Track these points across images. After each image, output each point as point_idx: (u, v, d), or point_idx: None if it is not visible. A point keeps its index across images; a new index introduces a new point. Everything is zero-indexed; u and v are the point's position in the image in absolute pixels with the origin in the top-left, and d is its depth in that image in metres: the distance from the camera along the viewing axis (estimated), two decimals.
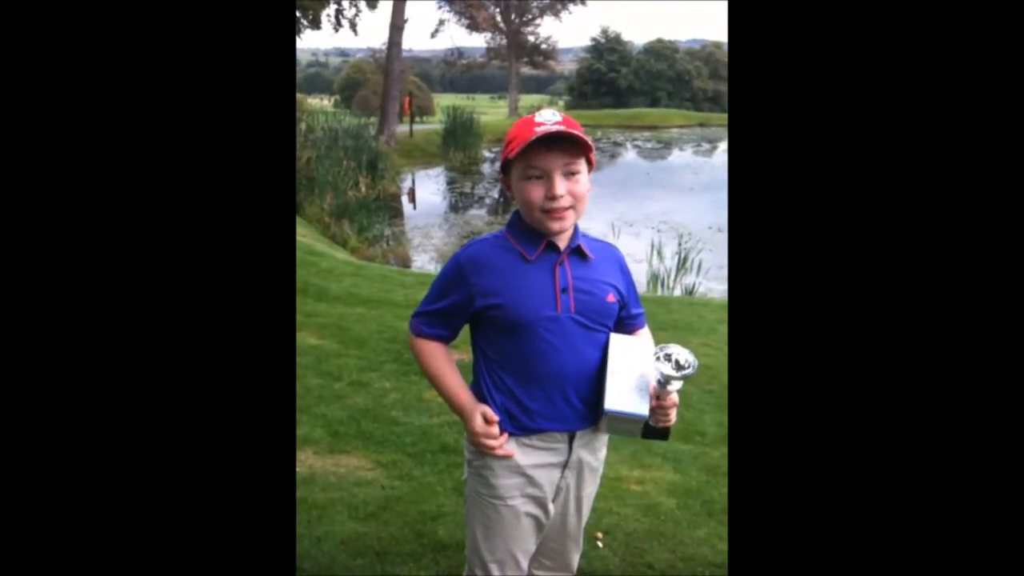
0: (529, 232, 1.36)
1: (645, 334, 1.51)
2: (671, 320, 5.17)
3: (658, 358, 1.29)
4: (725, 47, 43.11)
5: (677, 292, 7.52)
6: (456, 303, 1.37)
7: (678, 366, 1.28)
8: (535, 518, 1.42)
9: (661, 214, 12.53)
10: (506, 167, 1.35)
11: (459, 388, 1.41)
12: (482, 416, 1.35)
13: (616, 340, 1.37)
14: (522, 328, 1.32)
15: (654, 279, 7.73)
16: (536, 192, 1.29)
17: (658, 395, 1.32)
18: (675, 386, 1.31)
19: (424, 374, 1.46)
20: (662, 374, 1.29)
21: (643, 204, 13.53)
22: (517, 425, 1.36)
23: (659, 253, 8.10)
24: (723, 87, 39.87)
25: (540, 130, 1.26)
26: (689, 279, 7.76)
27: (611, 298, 1.39)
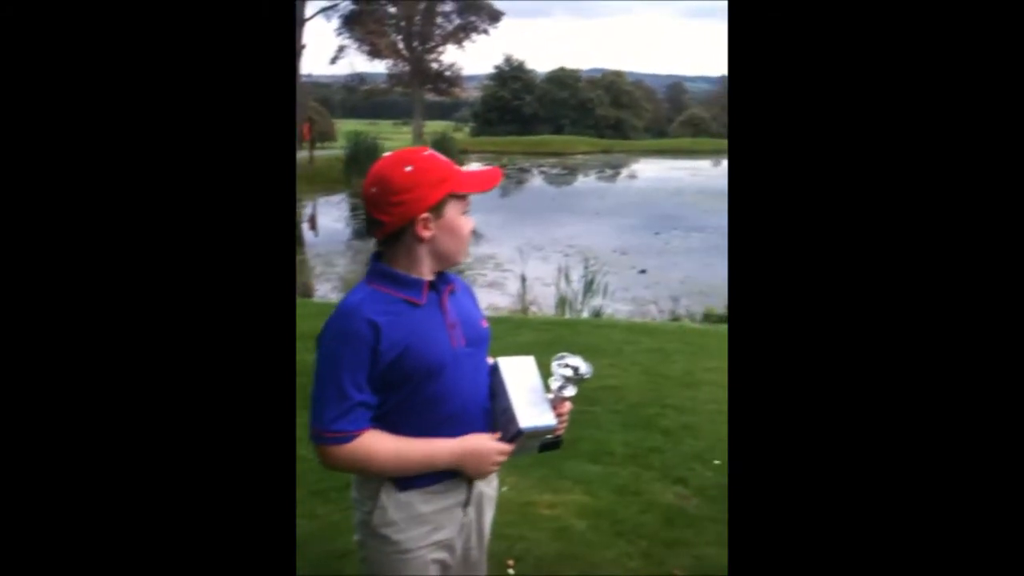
0: (407, 278, 1.33)
1: None
2: (579, 343, 5.26)
3: (559, 365, 1.42)
4: (626, 75, 44.76)
5: (585, 314, 7.67)
6: (365, 377, 1.26)
7: (576, 372, 1.42)
8: (441, 562, 1.39)
9: (568, 238, 12.79)
10: (440, 204, 1.31)
11: (430, 442, 1.31)
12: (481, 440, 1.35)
13: (504, 362, 1.40)
14: (427, 373, 1.29)
15: (562, 302, 7.85)
16: (470, 224, 1.38)
17: (555, 404, 1.41)
18: (571, 392, 1.43)
19: (376, 473, 1.31)
20: (564, 379, 1.41)
21: (550, 229, 13.78)
22: (425, 476, 1.32)
23: (566, 277, 8.25)
24: (625, 115, 41.34)
25: (479, 169, 1.41)
26: (596, 301, 7.93)
27: (484, 323, 1.43)
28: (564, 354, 1.43)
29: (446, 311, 1.35)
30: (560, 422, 1.41)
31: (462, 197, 1.33)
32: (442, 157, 1.35)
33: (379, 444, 1.28)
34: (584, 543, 2.46)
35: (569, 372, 1.41)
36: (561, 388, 1.42)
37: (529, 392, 1.38)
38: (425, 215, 1.30)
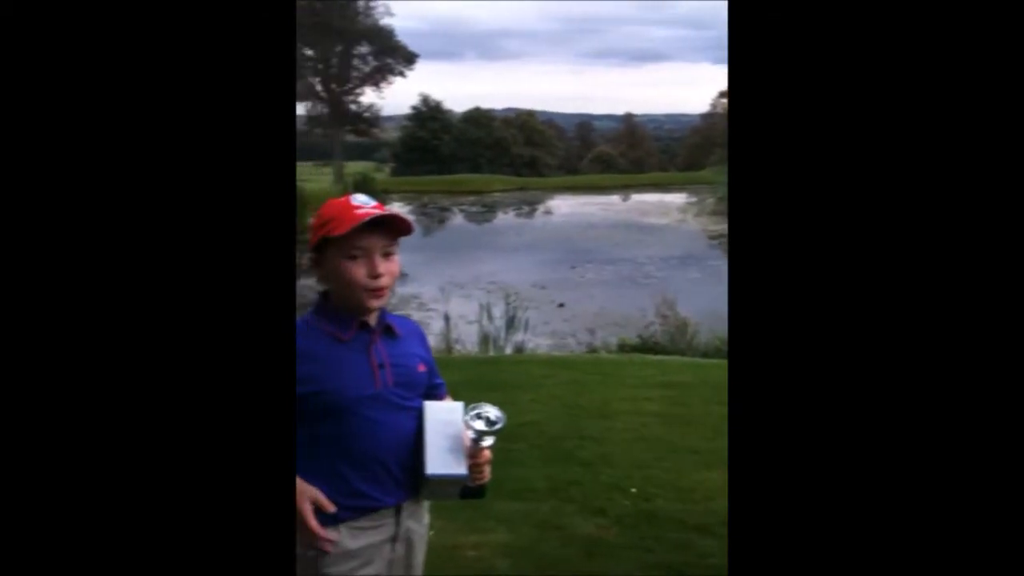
0: (340, 313, 1.40)
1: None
2: (500, 379, 5.34)
3: (471, 417, 1.40)
4: (536, 115, 45.79)
5: (508, 350, 7.75)
6: None
7: (489, 423, 1.40)
8: None
9: (489, 275, 12.94)
10: (320, 246, 1.39)
11: (300, 483, 1.34)
12: (313, 503, 1.32)
13: (429, 406, 1.44)
14: (345, 410, 1.34)
15: (485, 339, 7.93)
16: (359, 271, 1.36)
17: (472, 453, 1.41)
18: (488, 442, 1.41)
19: None
20: (476, 431, 1.39)
21: (472, 266, 13.92)
22: (346, 509, 1.36)
23: (488, 314, 8.35)
24: (538, 152, 42.22)
25: (362, 212, 1.34)
26: (518, 337, 8.04)
27: (422, 368, 1.47)
28: (477, 404, 1.41)
29: (371, 351, 1.40)
30: (479, 472, 1.42)
31: (342, 241, 1.34)
32: (346, 201, 1.39)
33: None
34: None
35: (482, 424, 1.39)
36: (477, 439, 1.40)
37: (447, 439, 1.40)
38: (312, 256, 1.40)
